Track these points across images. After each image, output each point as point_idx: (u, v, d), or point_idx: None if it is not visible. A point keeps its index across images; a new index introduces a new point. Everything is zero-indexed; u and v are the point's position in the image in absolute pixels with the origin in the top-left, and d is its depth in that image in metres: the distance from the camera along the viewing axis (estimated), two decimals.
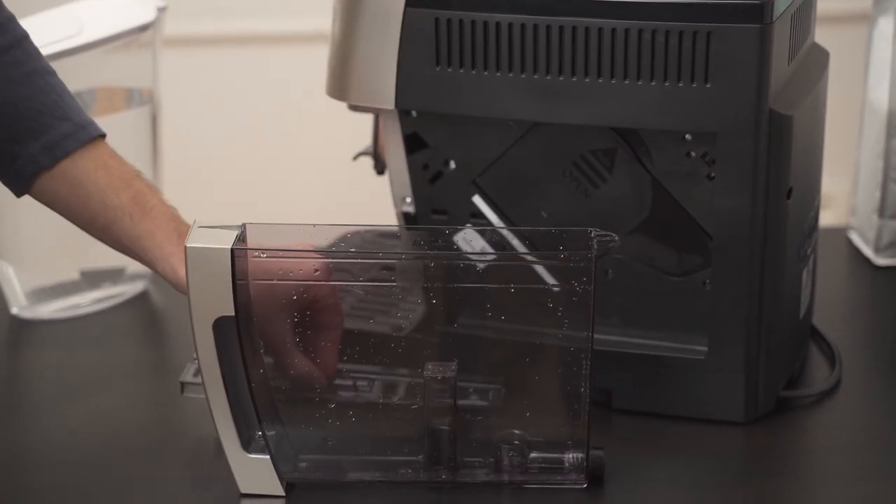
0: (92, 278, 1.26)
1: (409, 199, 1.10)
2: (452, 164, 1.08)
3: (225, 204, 2.09)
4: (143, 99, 1.23)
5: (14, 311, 1.24)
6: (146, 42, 1.21)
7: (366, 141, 1.16)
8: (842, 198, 1.87)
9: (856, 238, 1.35)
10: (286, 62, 2.11)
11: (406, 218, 1.11)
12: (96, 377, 1.14)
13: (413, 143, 1.08)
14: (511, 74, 1.01)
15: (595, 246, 0.94)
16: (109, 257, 1.26)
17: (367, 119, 1.13)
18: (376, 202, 1.22)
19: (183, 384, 1.03)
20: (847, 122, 1.45)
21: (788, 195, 1.01)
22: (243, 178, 2.18)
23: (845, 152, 1.45)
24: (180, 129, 2.19)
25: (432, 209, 1.09)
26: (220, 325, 0.94)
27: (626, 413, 1.06)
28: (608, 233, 0.95)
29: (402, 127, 1.08)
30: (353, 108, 1.09)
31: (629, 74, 0.99)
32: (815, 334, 1.16)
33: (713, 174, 1.01)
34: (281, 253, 0.94)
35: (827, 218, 1.33)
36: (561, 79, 1.00)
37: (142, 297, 1.28)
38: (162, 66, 1.23)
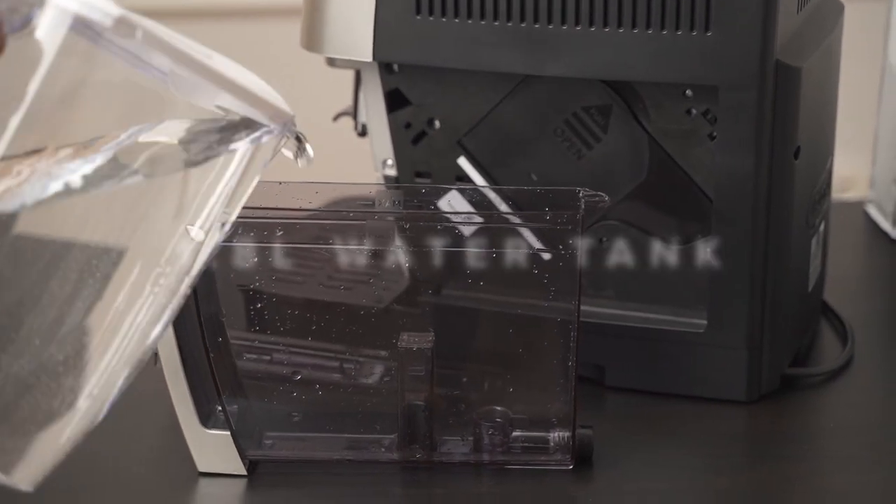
0: None
1: (390, 162, 1.03)
2: (437, 124, 1.01)
3: None
4: None
5: None
6: None
7: (347, 102, 1.09)
8: (859, 181, 1.80)
9: (873, 211, 1.27)
10: (268, 28, 2.08)
11: (387, 181, 1.04)
12: None
13: (395, 101, 1.01)
14: (496, 23, 0.94)
15: (582, 206, 0.87)
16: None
17: (347, 80, 1.07)
18: (357, 165, 1.15)
19: (157, 355, 0.96)
20: (863, 100, 1.37)
21: (796, 155, 0.94)
22: None
23: (862, 130, 1.38)
24: None
25: (415, 172, 1.03)
26: None
27: (620, 391, 0.99)
28: (598, 193, 0.88)
29: (382, 83, 1.01)
30: (331, 62, 1.02)
31: (623, 22, 0.92)
32: (827, 310, 1.09)
33: (715, 133, 0.94)
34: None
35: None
36: (550, 27, 0.93)
37: None
38: None
